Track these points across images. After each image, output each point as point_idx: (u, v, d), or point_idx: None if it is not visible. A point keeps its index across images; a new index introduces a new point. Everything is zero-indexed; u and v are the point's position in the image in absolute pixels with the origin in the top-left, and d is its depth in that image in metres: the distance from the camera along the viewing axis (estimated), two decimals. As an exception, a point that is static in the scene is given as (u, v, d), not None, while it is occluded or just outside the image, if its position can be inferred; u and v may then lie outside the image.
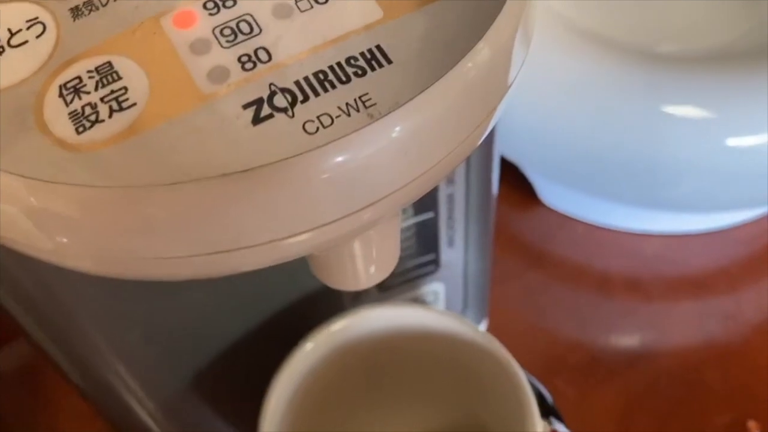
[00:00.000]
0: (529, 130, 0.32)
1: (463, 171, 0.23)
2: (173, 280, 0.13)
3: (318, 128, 0.11)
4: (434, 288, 0.28)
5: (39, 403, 0.33)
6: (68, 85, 0.12)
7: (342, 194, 0.12)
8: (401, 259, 0.26)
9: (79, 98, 0.12)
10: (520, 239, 0.37)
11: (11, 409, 0.33)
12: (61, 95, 0.12)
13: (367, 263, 0.15)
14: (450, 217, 0.25)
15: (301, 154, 0.11)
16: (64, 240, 0.12)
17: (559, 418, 0.22)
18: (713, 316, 0.33)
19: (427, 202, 0.24)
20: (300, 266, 0.23)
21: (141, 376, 0.22)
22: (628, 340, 0.33)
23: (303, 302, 0.25)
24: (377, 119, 0.11)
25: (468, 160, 0.23)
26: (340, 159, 0.11)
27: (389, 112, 0.11)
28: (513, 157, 0.35)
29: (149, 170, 0.11)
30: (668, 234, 0.36)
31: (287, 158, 0.11)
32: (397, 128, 0.12)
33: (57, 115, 0.12)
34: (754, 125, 0.30)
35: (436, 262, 0.26)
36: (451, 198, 0.24)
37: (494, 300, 0.32)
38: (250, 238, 0.12)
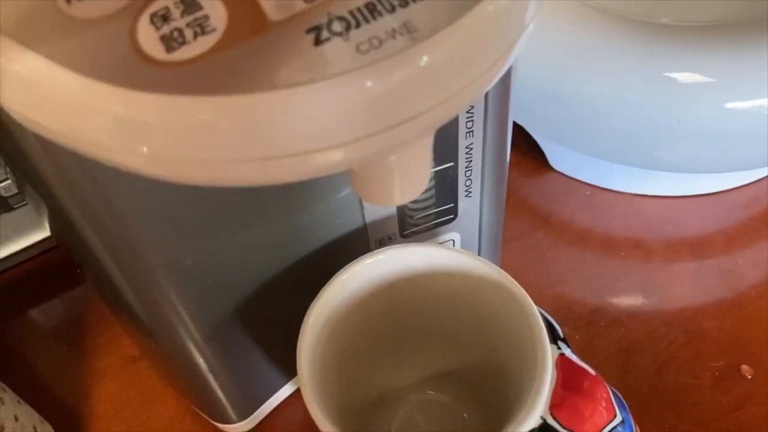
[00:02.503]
0: (538, 96, 0.35)
1: (481, 123, 0.25)
2: (234, 185, 0.16)
3: (369, 49, 0.14)
4: (451, 237, 0.30)
5: (76, 361, 0.35)
6: (158, 14, 0.14)
7: (388, 106, 0.14)
8: (422, 208, 0.28)
9: (168, 24, 0.14)
10: (530, 202, 0.39)
11: (48, 366, 0.35)
12: (152, 22, 0.14)
13: (402, 180, 0.17)
14: (468, 168, 0.27)
15: (356, 69, 0.13)
16: (147, 147, 0.14)
17: (567, 344, 0.24)
18: (711, 272, 0.35)
19: (448, 152, 0.26)
20: (334, 212, 0.26)
21: (189, 303, 0.24)
22: (630, 293, 0.35)
23: (335, 245, 0.27)
24: (419, 42, 0.14)
25: (486, 111, 0.25)
26: (387, 74, 0.13)
27: (428, 37, 0.14)
28: (523, 123, 0.37)
29: (228, 83, 0.13)
30: (669, 196, 0.38)
31: (345, 72, 0.13)
32: (435, 50, 0.14)
33: (149, 38, 0.14)
34: (751, 89, 0.32)
35: (454, 211, 0.29)
36: (470, 149, 0.26)
37: (505, 257, 0.34)
38: (310, 144, 0.14)
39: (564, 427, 0.22)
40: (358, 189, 0.18)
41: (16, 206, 0.36)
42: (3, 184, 0.36)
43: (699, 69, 0.32)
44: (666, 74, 0.32)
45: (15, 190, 0.36)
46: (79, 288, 0.37)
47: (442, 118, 0.15)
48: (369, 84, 0.13)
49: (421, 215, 0.28)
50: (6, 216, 0.35)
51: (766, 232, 0.37)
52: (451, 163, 0.26)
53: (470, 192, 0.28)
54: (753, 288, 0.35)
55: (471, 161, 0.27)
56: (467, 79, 0.15)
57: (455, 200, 0.28)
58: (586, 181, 0.39)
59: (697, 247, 0.36)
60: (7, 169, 0.36)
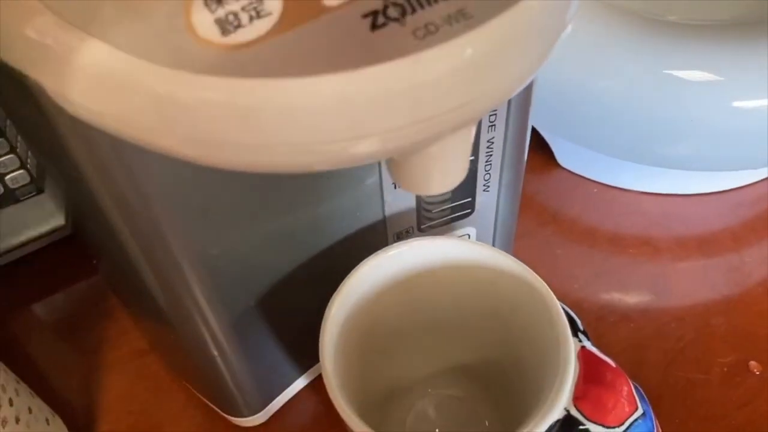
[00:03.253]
0: (547, 92, 0.35)
1: (503, 117, 0.25)
2: (282, 171, 0.16)
3: (425, 34, 0.14)
4: (467, 231, 0.30)
5: (84, 355, 0.35)
6: (212, -3, 0.14)
7: (444, 92, 0.14)
8: (440, 202, 0.28)
9: (222, 8, 0.14)
10: (538, 199, 0.39)
11: (57, 360, 0.35)
12: (206, 5, 0.14)
13: (442, 170, 0.17)
14: (488, 162, 0.27)
15: (413, 53, 0.13)
16: (203, 129, 0.14)
17: (587, 337, 0.24)
18: (718, 268, 0.36)
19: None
20: (355, 204, 0.26)
21: (210, 293, 0.24)
22: (638, 289, 0.35)
23: (353, 238, 0.27)
24: (474, 28, 0.14)
25: (509, 106, 0.25)
26: (444, 60, 0.14)
27: (483, 23, 0.14)
28: (533, 120, 0.38)
29: (284, 67, 0.13)
30: (677, 194, 0.39)
31: (402, 57, 0.13)
32: (490, 37, 0.14)
33: (203, 20, 0.14)
34: (758, 88, 0.32)
35: (471, 206, 0.29)
36: (491, 143, 0.26)
37: (514, 254, 0.34)
38: (360, 130, 0.14)
39: (588, 419, 0.22)
40: (396, 176, 0.18)
41: (22, 198, 0.35)
42: (11, 175, 0.35)
43: (707, 67, 0.33)
44: (674, 72, 0.33)
45: (22, 182, 0.36)
46: (88, 280, 0.37)
47: (488, 107, 0.15)
48: (424, 70, 0.13)
49: (439, 209, 0.28)
50: (13, 207, 0.35)
51: (771, 231, 0.37)
52: (473, 157, 0.26)
53: (488, 187, 0.28)
54: (760, 285, 0.35)
55: (491, 155, 0.27)
56: (514, 70, 0.15)
57: (473, 195, 0.28)
58: (594, 178, 0.39)
59: (704, 244, 0.37)
60: (28, 154, 0.35)
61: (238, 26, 0.14)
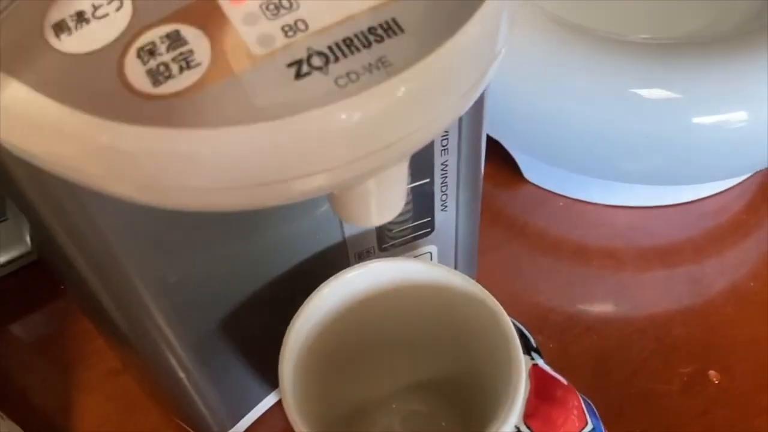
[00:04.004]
0: (511, 110, 0.36)
1: (455, 141, 0.26)
2: (219, 210, 0.16)
3: (347, 83, 0.14)
4: (428, 249, 0.31)
5: (58, 374, 0.35)
6: (145, 48, 0.15)
7: (366, 136, 0.15)
8: (400, 222, 0.29)
9: (154, 59, 0.15)
10: (505, 213, 0.40)
11: (30, 380, 0.35)
12: (139, 56, 0.15)
13: (380, 202, 0.18)
14: (443, 183, 0.28)
15: (335, 101, 0.14)
16: (135, 176, 0.15)
17: (540, 355, 0.25)
18: (680, 280, 0.37)
19: (424, 169, 0.27)
20: (314, 227, 0.27)
21: (171, 319, 0.24)
22: (602, 301, 0.36)
23: (314, 259, 0.27)
24: (393, 76, 0.14)
25: (460, 131, 0.26)
26: (365, 106, 0.14)
27: (402, 71, 0.14)
28: (497, 136, 0.38)
29: (212, 116, 0.14)
30: (640, 207, 0.39)
31: (325, 105, 0.14)
32: (409, 83, 0.15)
33: (136, 72, 0.14)
34: (716, 105, 0.33)
35: (431, 225, 0.29)
36: (445, 165, 0.27)
37: (481, 267, 0.35)
38: (292, 172, 0.15)
39: (537, 435, 0.23)
40: (337, 210, 0.18)
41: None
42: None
43: (666, 85, 0.34)
44: (634, 90, 0.34)
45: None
46: (61, 301, 0.38)
47: (417, 144, 0.16)
48: (347, 116, 0.14)
49: (399, 229, 0.29)
50: (-14, 231, 0.36)
51: (732, 241, 0.38)
52: (428, 179, 0.27)
53: (446, 206, 0.29)
54: (720, 295, 0.36)
55: (446, 177, 0.27)
56: (441, 108, 0.15)
57: (432, 214, 0.29)
58: (560, 192, 0.40)
59: (666, 256, 0.37)
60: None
61: (169, 77, 0.14)
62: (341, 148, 0.15)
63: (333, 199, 0.18)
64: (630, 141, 0.34)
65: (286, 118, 0.14)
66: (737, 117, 0.33)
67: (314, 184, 0.15)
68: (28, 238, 0.33)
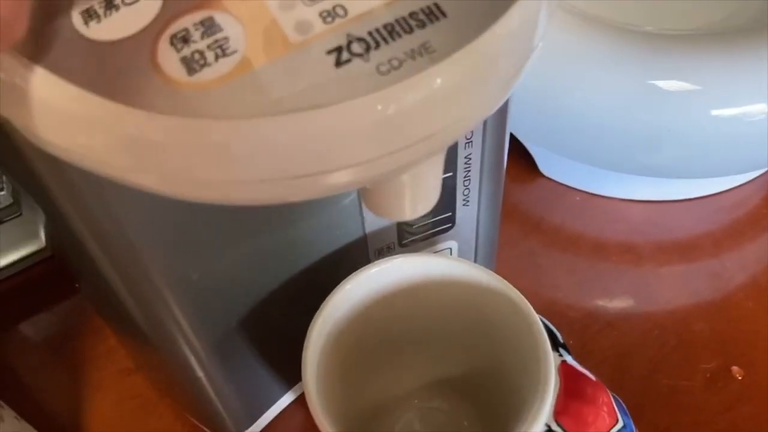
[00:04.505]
0: (528, 103, 0.35)
1: (480, 133, 0.26)
2: (250, 204, 0.16)
3: (389, 70, 0.14)
4: (449, 245, 0.30)
5: (70, 374, 0.35)
6: (178, 36, 0.14)
7: (407, 126, 0.14)
8: (421, 217, 0.28)
9: (188, 46, 0.14)
10: (521, 208, 0.39)
11: (43, 380, 0.35)
12: (172, 44, 0.14)
13: (414, 195, 0.17)
14: (466, 177, 0.27)
15: (379, 89, 0.13)
16: (167, 168, 0.14)
17: (568, 351, 0.24)
18: (699, 274, 0.36)
19: (448, 162, 0.26)
20: (334, 223, 0.26)
21: (192, 316, 0.24)
22: (622, 297, 0.36)
23: (335, 256, 0.27)
24: (437, 62, 0.14)
25: (485, 122, 0.25)
26: (409, 95, 0.14)
27: (446, 57, 0.14)
28: (513, 130, 0.38)
29: (250, 105, 0.14)
30: (658, 201, 0.39)
31: (368, 93, 0.13)
32: (453, 70, 0.14)
33: (169, 60, 0.14)
34: (736, 96, 0.33)
35: (452, 220, 0.29)
36: (468, 158, 0.26)
37: (497, 263, 0.35)
38: (329, 164, 0.14)
39: (568, 433, 0.23)
40: (369, 204, 0.18)
41: (6, 219, 0.35)
42: (-7, 197, 0.35)
43: (685, 77, 0.33)
44: (652, 82, 0.33)
45: (6, 203, 0.35)
46: (73, 300, 0.37)
47: (456, 136, 0.15)
48: (392, 104, 0.14)
49: (420, 224, 0.28)
50: (-3, 229, 0.35)
51: (751, 235, 0.38)
52: (450, 173, 0.27)
53: (468, 201, 0.28)
54: (740, 289, 0.35)
55: (469, 171, 0.27)
56: (483, 97, 0.15)
57: (453, 209, 0.28)
58: (577, 186, 0.40)
59: (685, 250, 0.37)
60: (3, 178, 0.35)
61: (204, 65, 0.14)
62: (381, 138, 0.14)
63: (365, 192, 0.18)
64: (648, 133, 0.34)
65: (328, 107, 0.13)
66: (756, 109, 0.33)
67: (349, 177, 0.15)
68: (42, 234, 0.33)
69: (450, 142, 0.16)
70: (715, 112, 0.33)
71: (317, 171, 0.14)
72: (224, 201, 0.15)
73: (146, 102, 0.14)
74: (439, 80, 0.14)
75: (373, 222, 0.27)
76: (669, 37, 0.35)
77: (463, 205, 0.28)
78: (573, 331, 0.34)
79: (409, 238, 0.29)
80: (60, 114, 0.14)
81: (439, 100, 0.14)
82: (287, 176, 0.14)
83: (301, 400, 0.33)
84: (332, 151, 0.14)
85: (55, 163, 0.18)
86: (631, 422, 0.24)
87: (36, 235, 0.35)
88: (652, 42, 0.34)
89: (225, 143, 0.14)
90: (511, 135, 0.38)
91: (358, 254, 0.28)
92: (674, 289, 0.36)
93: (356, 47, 0.14)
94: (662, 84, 0.33)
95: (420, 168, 0.17)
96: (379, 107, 0.14)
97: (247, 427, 0.31)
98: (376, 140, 0.14)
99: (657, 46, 0.34)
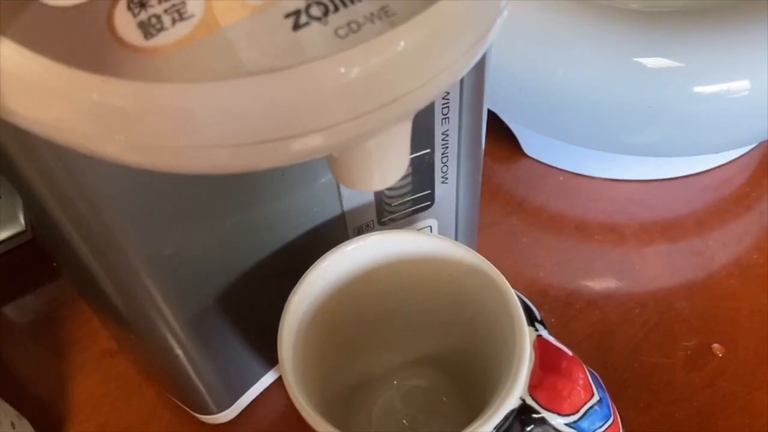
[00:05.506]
0: (510, 82, 0.35)
1: (456, 109, 0.25)
2: (212, 172, 0.16)
3: (348, 33, 0.14)
4: (428, 223, 0.30)
5: (47, 357, 0.35)
6: (135, 1, 0.14)
7: (367, 91, 0.14)
8: (400, 195, 0.28)
9: (145, 11, 0.14)
10: (504, 188, 0.39)
11: (25, 362, 0.35)
12: (129, 9, 0.14)
13: (382, 165, 0.17)
14: (444, 154, 0.27)
15: (337, 53, 0.13)
16: (124, 134, 0.14)
17: (544, 326, 0.24)
18: (682, 253, 0.36)
19: (425, 139, 0.26)
20: (312, 200, 0.26)
21: (168, 294, 0.24)
22: (604, 276, 0.36)
23: (313, 234, 0.27)
24: (396, 26, 0.14)
25: (461, 98, 0.25)
26: (368, 58, 0.14)
27: (406, 21, 0.14)
28: (496, 109, 0.38)
29: (207, 69, 0.13)
30: (641, 180, 0.39)
31: (326, 57, 0.13)
32: (413, 34, 0.14)
33: (126, 24, 0.14)
34: (718, 73, 0.33)
35: (431, 198, 0.29)
36: (446, 135, 0.26)
37: (480, 243, 0.35)
38: (289, 130, 0.14)
39: (543, 407, 0.23)
40: (337, 174, 0.18)
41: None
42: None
43: (667, 54, 0.33)
44: (635, 59, 0.33)
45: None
46: (54, 283, 0.37)
47: (420, 102, 0.15)
48: (348, 69, 0.13)
49: (399, 202, 0.28)
50: (-24, 212, 0.35)
51: (734, 214, 0.38)
52: (428, 150, 0.26)
53: (446, 178, 0.28)
54: (723, 268, 0.35)
55: (447, 147, 0.27)
56: (444, 63, 0.15)
57: (432, 187, 0.28)
58: (560, 166, 0.40)
59: (668, 229, 0.37)
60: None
61: (161, 29, 0.14)
62: (342, 103, 0.14)
63: (331, 161, 0.18)
64: (631, 110, 0.34)
65: (284, 71, 0.13)
66: (739, 86, 0.33)
67: (311, 144, 0.15)
68: (21, 217, 0.33)
69: (416, 109, 0.16)
70: (698, 89, 0.33)
71: (281, 136, 0.14)
72: (191, 169, 0.15)
73: (105, 67, 0.14)
74: (402, 43, 0.14)
75: (351, 200, 0.27)
76: (652, 14, 0.34)
77: (442, 182, 0.28)
78: (555, 310, 0.34)
79: (388, 216, 0.29)
80: (19, 81, 0.14)
81: (400, 64, 0.14)
82: (245, 142, 0.14)
83: (282, 380, 0.33)
84: (296, 115, 0.14)
85: (24, 140, 0.18)
86: (608, 396, 0.24)
87: (16, 219, 0.35)
88: (635, 19, 0.34)
89: (180, 108, 0.13)
90: (495, 115, 0.38)
91: (336, 233, 0.28)
92: (657, 268, 0.36)
93: (314, 10, 0.14)
94: (645, 61, 0.33)
95: (388, 136, 0.16)
96: (337, 71, 0.13)
97: (228, 407, 0.31)
98: (341, 104, 0.14)
99: (640, 23, 0.34)
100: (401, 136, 0.17)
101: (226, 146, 0.14)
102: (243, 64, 0.13)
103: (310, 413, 0.22)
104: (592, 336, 0.33)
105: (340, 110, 0.14)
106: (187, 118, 0.14)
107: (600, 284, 0.35)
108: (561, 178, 0.39)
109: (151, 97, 0.13)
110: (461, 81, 0.24)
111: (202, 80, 0.13)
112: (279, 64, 0.13)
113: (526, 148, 0.40)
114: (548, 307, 0.34)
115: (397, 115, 0.15)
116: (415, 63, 0.14)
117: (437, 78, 0.15)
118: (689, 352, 0.33)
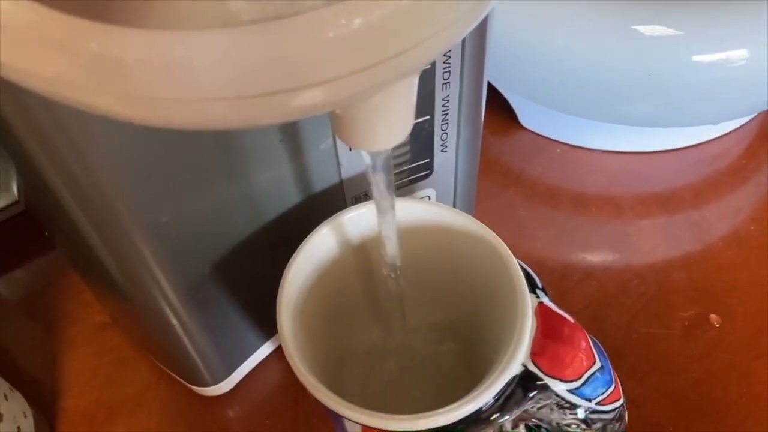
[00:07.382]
0: (508, 52, 0.34)
1: (457, 75, 0.25)
2: (211, 127, 0.15)
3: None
4: (427, 193, 0.30)
5: (40, 332, 0.34)
6: (133, -54, 0.13)
7: (371, 43, 0.14)
8: (399, 164, 0.28)
9: (144, -43, 0.13)
10: (501, 160, 0.39)
11: (12, 337, 0.34)
12: (127, -46, 0.13)
13: (386, 123, 0.17)
14: (444, 121, 0.27)
15: (336, 3, 0.13)
16: (121, 85, 0.14)
17: (545, 293, 0.24)
18: (679, 225, 0.36)
19: (425, 105, 0.26)
20: (310, 168, 0.25)
21: (164, 262, 0.23)
22: (601, 247, 0.35)
23: (311, 202, 0.27)
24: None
25: (462, 62, 0.25)
26: (370, 10, 0.13)
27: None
28: (493, 80, 0.37)
29: (202, 17, 0.13)
30: (639, 152, 0.39)
31: (325, 6, 0.13)
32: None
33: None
34: (718, 42, 0.32)
35: (430, 167, 0.28)
36: (446, 101, 0.26)
37: (478, 215, 0.34)
38: (293, 82, 0.14)
39: (545, 374, 0.22)
40: (339, 132, 0.17)
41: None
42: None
43: (667, 22, 0.33)
44: (634, 27, 0.33)
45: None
46: (46, 256, 0.36)
47: (424, 58, 0.15)
48: (350, 19, 0.13)
49: (397, 171, 0.28)
50: (-35, 183, 0.34)
51: (731, 186, 0.37)
52: (428, 117, 0.26)
53: (446, 147, 0.28)
54: (720, 239, 0.35)
55: (447, 114, 0.26)
56: (449, 18, 0.14)
57: (431, 155, 0.28)
58: (557, 138, 0.39)
59: (666, 201, 0.37)
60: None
61: (161, -25, 0.13)
62: (343, 56, 0.14)
63: (334, 118, 0.17)
64: (630, 79, 0.33)
65: (284, 19, 0.13)
66: (738, 55, 0.33)
67: (314, 97, 0.14)
68: (14, 187, 0.32)
69: (420, 66, 0.15)
70: (696, 58, 0.33)
71: (280, 89, 0.14)
72: (189, 124, 0.15)
73: (104, 15, 0.13)
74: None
75: (349, 168, 0.27)
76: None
77: (441, 151, 0.28)
78: (552, 281, 0.34)
79: (386, 185, 0.28)
80: (6, 29, 0.14)
81: (406, 17, 0.14)
82: (243, 95, 0.14)
83: (279, 352, 0.32)
84: (296, 67, 0.13)
85: (16, 97, 0.17)
86: (609, 363, 0.24)
87: (8, 190, 0.35)
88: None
89: (175, 56, 0.13)
90: (492, 87, 0.38)
91: (334, 201, 0.27)
92: (654, 239, 0.36)
93: (320, -42, 0.13)
94: (643, 29, 0.33)
95: (393, 91, 0.16)
96: (343, 21, 0.13)
97: (224, 379, 0.31)
98: (336, 57, 0.13)
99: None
100: (407, 93, 0.17)
101: (224, 99, 0.14)
102: (239, 12, 0.13)
103: (309, 379, 0.22)
104: (590, 307, 0.33)
105: (343, 62, 0.14)
106: (181, 68, 0.13)
107: (597, 256, 0.35)
108: (558, 150, 0.39)
109: (143, 45, 0.13)
110: (462, 43, 0.24)
111: (196, 27, 0.13)
112: (279, 13, 0.13)
113: (524, 120, 0.39)
114: (545, 278, 0.34)
115: (401, 70, 0.15)
116: (419, 17, 0.14)
117: (442, 32, 0.14)
118: (687, 323, 0.33)
